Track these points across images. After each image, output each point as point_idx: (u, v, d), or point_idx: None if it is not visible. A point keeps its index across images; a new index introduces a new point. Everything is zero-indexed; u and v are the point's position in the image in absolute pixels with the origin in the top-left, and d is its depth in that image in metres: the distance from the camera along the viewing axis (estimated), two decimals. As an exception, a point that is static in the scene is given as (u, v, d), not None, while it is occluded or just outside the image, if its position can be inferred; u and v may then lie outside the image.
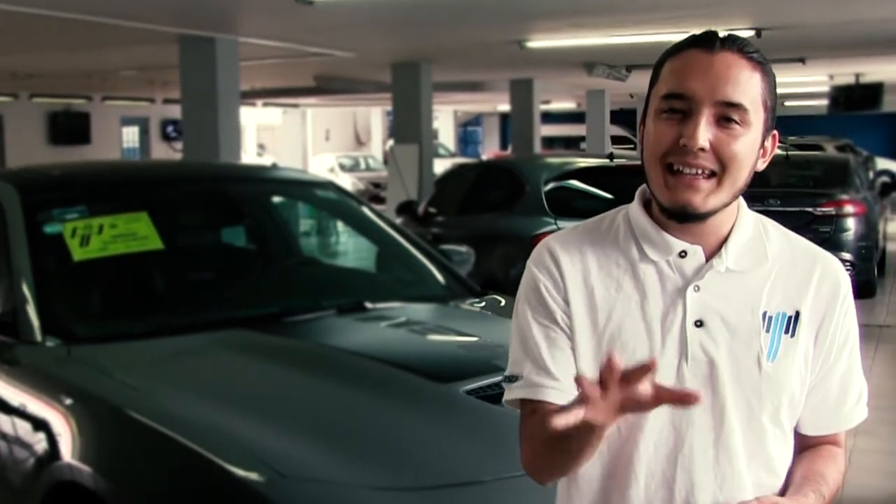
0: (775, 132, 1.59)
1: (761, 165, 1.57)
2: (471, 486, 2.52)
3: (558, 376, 1.57)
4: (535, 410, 1.57)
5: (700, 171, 1.50)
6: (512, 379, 1.62)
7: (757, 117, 1.52)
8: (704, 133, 1.48)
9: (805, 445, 1.67)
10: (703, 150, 1.49)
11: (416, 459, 2.60)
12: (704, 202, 1.52)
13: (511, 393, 1.62)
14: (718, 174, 1.51)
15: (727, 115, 1.50)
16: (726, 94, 1.49)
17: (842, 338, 1.62)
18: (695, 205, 1.52)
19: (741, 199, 1.62)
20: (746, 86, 1.50)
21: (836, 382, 1.64)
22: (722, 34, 1.54)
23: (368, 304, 3.82)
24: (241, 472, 2.45)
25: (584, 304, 1.60)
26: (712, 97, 1.49)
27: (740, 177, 1.53)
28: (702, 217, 1.54)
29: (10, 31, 10.40)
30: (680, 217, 1.55)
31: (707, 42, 1.52)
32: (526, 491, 2.39)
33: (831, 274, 1.62)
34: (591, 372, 1.47)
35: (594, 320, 1.60)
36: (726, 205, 1.55)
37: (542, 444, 1.53)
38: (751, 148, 1.53)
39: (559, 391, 1.55)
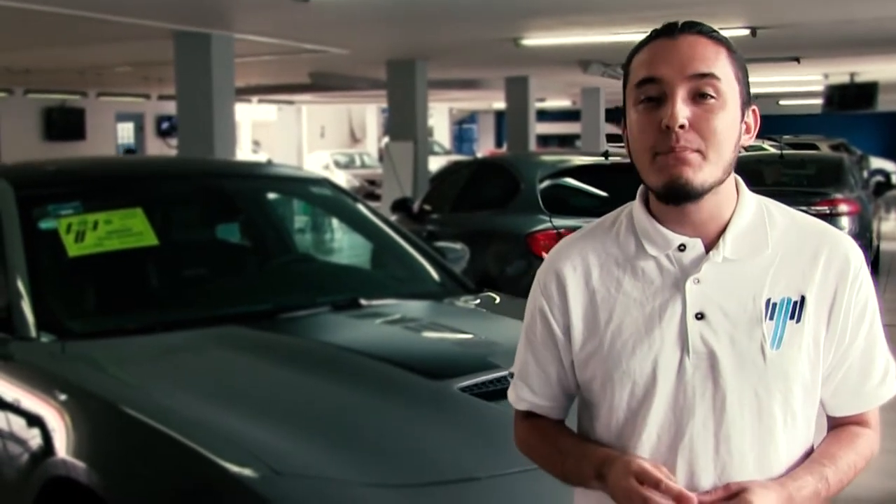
0: (755, 107, 1.61)
1: (747, 140, 1.59)
2: (465, 482, 2.52)
3: (538, 391, 1.74)
4: (526, 416, 1.78)
5: (685, 149, 1.51)
6: (512, 376, 1.79)
7: (731, 90, 1.54)
8: (682, 111, 1.51)
9: (832, 426, 1.69)
10: (682, 127, 1.50)
11: (411, 456, 2.60)
12: (696, 175, 1.52)
13: (509, 393, 1.80)
14: (703, 150, 1.52)
15: (701, 88, 1.52)
16: (695, 67, 1.52)
17: (856, 316, 1.61)
18: (687, 177, 1.52)
19: (742, 183, 1.63)
20: (714, 59, 1.54)
21: (855, 362, 1.63)
22: (681, 22, 1.58)
23: (363, 301, 3.82)
24: (235, 468, 2.45)
25: (587, 310, 1.65)
26: (683, 73, 1.52)
27: (725, 151, 1.54)
28: (697, 195, 1.54)
29: (5, 27, 10.38)
30: (676, 197, 1.55)
31: (668, 30, 1.57)
32: (520, 488, 2.40)
33: (840, 252, 1.60)
34: (599, 371, 1.63)
35: (596, 322, 1.63)
36: (719, 182, 1.55)
37: (540, 457, 1.74)
38: (731, 122, 1.54)
39: (538, 405, 1.75)
